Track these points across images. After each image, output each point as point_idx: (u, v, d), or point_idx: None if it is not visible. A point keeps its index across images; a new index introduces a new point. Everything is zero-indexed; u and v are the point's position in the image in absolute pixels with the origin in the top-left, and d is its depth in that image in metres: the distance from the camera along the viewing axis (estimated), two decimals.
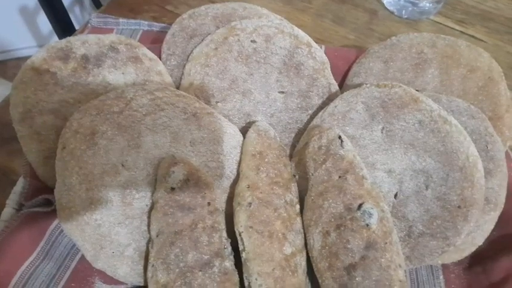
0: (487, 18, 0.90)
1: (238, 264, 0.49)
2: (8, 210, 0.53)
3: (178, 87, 0.63)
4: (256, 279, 0.46)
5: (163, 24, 0.79)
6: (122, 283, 0.51)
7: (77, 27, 1.24)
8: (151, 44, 0.74)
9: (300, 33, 0.63)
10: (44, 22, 1.48)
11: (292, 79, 0.62)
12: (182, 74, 0.63)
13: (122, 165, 0.51)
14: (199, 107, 0.55)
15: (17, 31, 1.66)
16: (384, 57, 0.64)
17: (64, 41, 0.57)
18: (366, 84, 0.57)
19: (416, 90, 0.56)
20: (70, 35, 0.80)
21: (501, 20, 0.90)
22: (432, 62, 0.61)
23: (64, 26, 1.02)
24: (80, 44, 0.57)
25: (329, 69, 0.64)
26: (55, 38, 1.25)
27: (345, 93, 0.58)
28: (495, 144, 0.54)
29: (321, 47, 0.68)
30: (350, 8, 0.90)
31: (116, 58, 0.59)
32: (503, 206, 0.54)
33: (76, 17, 1.63)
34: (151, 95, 0.54)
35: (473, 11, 0.91)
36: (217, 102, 0.60)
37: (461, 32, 0.87)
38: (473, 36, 0.86)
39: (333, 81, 0.64)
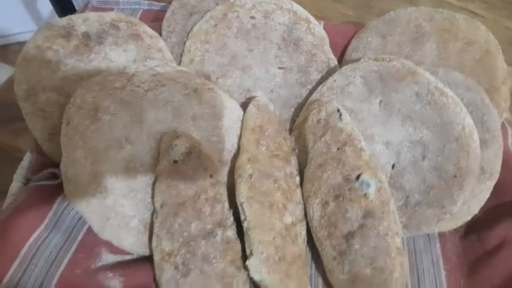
0: None
1: (240, 234, 0.50)
2: (16, 184, 0.54)
3: (178, 64, 0.63)
4: (257, 247, 0.48)
5: (162, 3, 0.80)
6: (128, 253, 0.53)
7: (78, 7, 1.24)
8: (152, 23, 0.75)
9: (299, 9, 0.64)
10: (44, 6, 1.48)
11: (292, 55, 0.63)
12: (183, 51, 0.63)
13: (126, 139, 0.52)
14: (199, 83, 0.56)
15: (18, 15, 1.66)
16: (382, 32, 0.64)
17: (65, 18, 0.58)
18: (365, 58, 0.58)
19: None
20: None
21: None
22: (430, 36, 0.62)
23: (64, 7, 1.02)
24: (82, 21, 0.58)
25: (328, 44, 0.65)
26: None
27: (343, 67, 0.59)
28: (491, 115, 0.55)
29: (319, 23, 0.69)
30: None
31: (117, 35, 0.59)
32: (498, 176, 0.55)
33: None
34: (152, 71, 0.55)
35: None
36: (217, 78, 0.61)
37: (460, 7, 0.87)
38: (472, 12, 0.87)
39: (332, 57, 0.64)
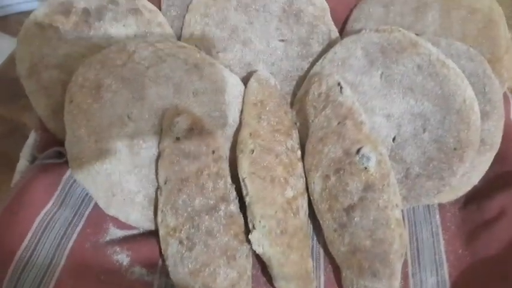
0: None
1: (243, 208, 0.52)
2: (23, 162, 0.55)
3: (179, 38, 0.63)
4: (259, 221, 0.49)
5: None
6: (134, 228, 0.55)
7: None
8: None
9: None
10: None
11: (292, 27, 0.62)
12: (183, 24, 0.63)
13: (128, 116, 0.52)
14: (200, 58, 0.56)
15: None
16: (384, 1, 0.63)
17: None
18: (366, 29, 0.58)
19: (416, 34, 0.57)
20: None
21: None
22: (432, 5, 0.61)
23: None
24: None
25: (329, 15, 0.64)
26: None
27: (344, 39, 0.59)
28: (492, 86, 0.55)
29: None
30: None
31: (116, 11, 0.59)
32: (498, 147, 0.55)
33: None
34: (152, 47, 0.54)
35: None
36: (217, 52, 0.61)
37: None
38: None
39: (333, 28, 0.64)
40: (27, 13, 0.57)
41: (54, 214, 0.52)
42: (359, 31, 0.59)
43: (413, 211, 0.58)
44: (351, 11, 0.67)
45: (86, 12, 0.57)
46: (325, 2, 0.63)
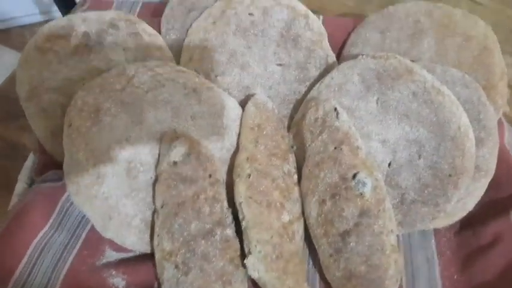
0: None
1: (239, 232, 0.52)
2: (21, 185, 0.55)
3: (178, 62, 0.64)
4: (255, 246, 0.49)
5: None
6: (130, 250, 0.55)
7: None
8: (151, 17, 0.75)
9: (298, 4, 0.64)
10: None
11: (290, 51, 0.63)
12: (182, 48, 0.64)
13: (127, 140, 0.53)
14: (199, 82, 0.57)
15: None
16: (380, 27, 0.64)
17: (64, 19, 0.59)
18: (362, 55, 0.59)
19: (412, 61, 0.58)
20: (70, 8, 0.82)
21: None
22: (428, 32, 0.62)
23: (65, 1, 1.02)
24: (81, 21, 0.59)
25: (326, 40, 0.65)
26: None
27: (341, 64, 0.59)
28: (487, 113, 0.56)
29: (318, 18, 0.69)
30: None
31: (116, 34, 0.60)
32: (493, 173, 0.56)
33: None
34: (151, 71, 0.55)
35: None
36: (216, 76, 0.62)
37: None
38: (473, 1, 0.86)
39: (331, 52, 0.65)
40: (29, 26, 0.58)
41: (51, 237, 0.52)
42: (355, 56, 0.60)
43: (408, 236, 0.58)
44: (348, 36, 0.69)
45: (86, 36, 0.58)
46: (322, 27, 0.65)
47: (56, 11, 1.24)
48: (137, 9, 0.78)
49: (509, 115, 0.68)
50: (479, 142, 0.55)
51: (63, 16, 0.67)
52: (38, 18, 1.79)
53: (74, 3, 0.87)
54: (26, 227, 0.51)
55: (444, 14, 0.62)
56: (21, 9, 1.72)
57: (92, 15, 0.60)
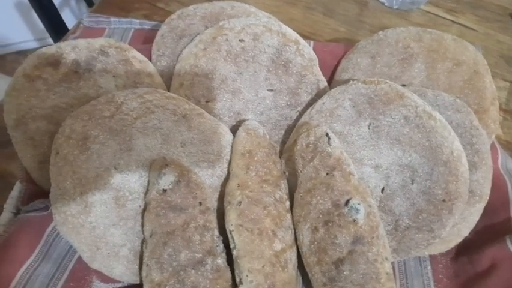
0: (477, 6, 0.90)
1: (231, 260, 0.51)
2: (6, 214, 0.54)
3: (168, 88, 0.64)
4: (247, 275, 0.48)
5: (154, 22, 0.80)
6: (118, 281, 0.53)
7: (70, 26, 1.24)
8: (143, 43, 0.75)
9: (288, 30, 0.64)
10: None
11: (281, 77, 0.63)
12: (173, 74, 0.64)
13: (115, 168, 0.52)
14: (189, 108, 0.56)
15: (14, 25, 1.68)
16: (371, 52, 0.64)
17: (54, 46, 0.58)
18: (353, 80, 0.58)
19: (403, 85, 0.58)
20: (62, 35, 0.82)
21: (491, 8, 0.90)
22: (418, 57, 0.62)
23: (56, 27, 1.02)
24: (70, 49, 0.58)
25: (317, 65, 0.65)
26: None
27: (332, 90, 0.59)
28: (480, 137, 0.55)
29: (309, 43, 0.69)
30: (340, 0, 0.90)
31: (106, 62, 0.60)
32: (487, 198, 0.55)
33: (72, 11, 1.64)
34: (141, 98, 0.55)
35: None
36: (207, 101, 0.62)
37: (452, 21, 0.87)
38: (464, 25, 0.87)
39: (322, 78, 0.65)
40: (24, 52, 0.58)
41: (37, 268, 0.51)
42: (347, 81, 0.59)
43: (404, 262, 0.57)
44: (339, 60, 0.69)
45: (76, 63, 0.58)
46: (313, 52, 0.65)
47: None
48: (129, 37, 0.79)
49: (503, 138, 0.68)
50: (473, 167, 0.54)
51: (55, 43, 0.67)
52: (34, 44, 1.81)
53: (67, 30, 0.87)
54: (10, 258, 0.50)
55: (434, 39, 0.62)
56: (17, 36, 1.74)
57: (82, 42, 0.59)
